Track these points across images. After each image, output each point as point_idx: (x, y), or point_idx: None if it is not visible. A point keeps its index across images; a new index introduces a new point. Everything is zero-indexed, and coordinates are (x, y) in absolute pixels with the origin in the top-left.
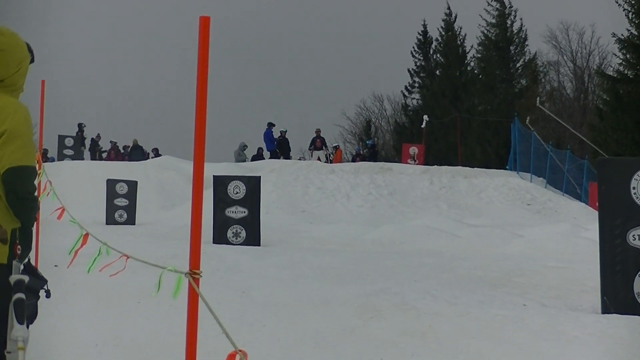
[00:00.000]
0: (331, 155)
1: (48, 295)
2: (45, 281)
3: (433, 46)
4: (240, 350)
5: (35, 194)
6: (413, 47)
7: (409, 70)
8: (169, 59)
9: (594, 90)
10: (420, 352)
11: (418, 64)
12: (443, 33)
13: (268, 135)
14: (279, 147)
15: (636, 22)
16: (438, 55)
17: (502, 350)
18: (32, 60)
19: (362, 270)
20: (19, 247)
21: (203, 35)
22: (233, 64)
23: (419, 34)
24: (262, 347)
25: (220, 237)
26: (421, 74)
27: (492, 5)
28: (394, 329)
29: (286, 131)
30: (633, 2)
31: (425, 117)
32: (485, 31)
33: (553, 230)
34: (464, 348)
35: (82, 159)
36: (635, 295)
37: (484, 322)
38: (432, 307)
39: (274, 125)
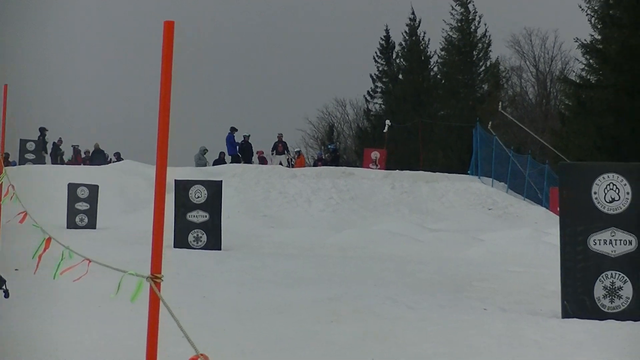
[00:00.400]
0: (293, 160)
1: (6, 295)
2: (4, 281)
3: (396, 51)
4: (201, 355)
5: None
6: (375, 52)
7: (371, 75)
8: (132, 63)
9: (556, 96)
10: (381, 357)
11: (380, 68)
12: (407, 38)
13: (230, 139)
14: (242, 152)
15: (599, 27)
16: (401, 60)
17: (463, 355)
18: None
19: (323, 274)
20: None
21: (167, 40)
22: (196, 68)
23: (381, 39)
24: (222, 352)
25: (181, 242)
26: (383, 79)
27: (456, 10)
28: (355, 333)
29: (249, 136)
30: (596, 7)
31: (388, 121)
32: (449, 36)
33: (514, 235)
34: (425, 353)
35: (44, 163)
36: (596, 300)
37: (444, 326)
38: (393, 311)
39: (236, 130)
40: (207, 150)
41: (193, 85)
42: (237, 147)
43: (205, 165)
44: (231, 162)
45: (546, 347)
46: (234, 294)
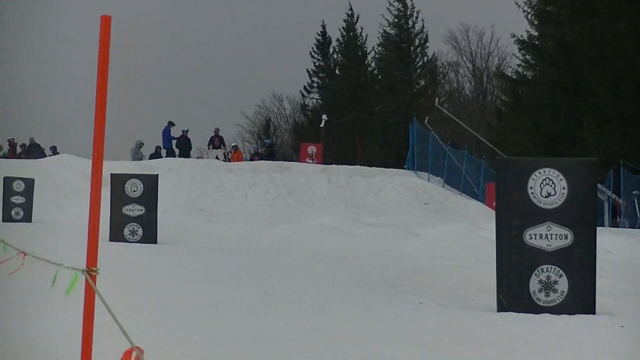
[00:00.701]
0: (229, 154)
1: None
2: None
3: (333, 46)
4: (136, 347)
5: None
6: (312, 48)
7: (308, 71)
8: (68, 56)
9: (493, 91)
10: (317, 351)
11: (317, 64)
12: (344, 33)
13: (165, 133)
14: (180, 146)
15: (535, 23)
16: (339, 56)
17: (399, 349)
18: None
19: (259, 269)
20: None
21: (104, 35)
22: (133, 62)
23: (318, 34)
24: (157, 345)
25: (116, 235)
26: (320, 74)
27: (393, 6)
28: (291, 327)
29: (188, 130)
30: (533, 3)
31: (324, 116)
32: (386, 32)
33: (450, 230)
34: (361, 347)
35: None
36: (531, 294)
37: (380, 320)
38: (329, 305)
39: (173, 124)
40: (143, 144)
41: (130, 80)
42: (176, 141)
43: (141, 159)
44: (166, 156)
45: (482, 340)
46: (170, 288)
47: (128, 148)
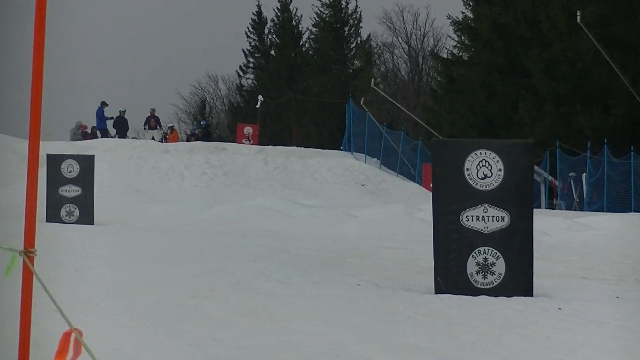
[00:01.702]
0: (165, 135)
1: None
2: None
3: (268, 27)
4: (75, 329)
5: None
6: (247, 28)
7: (243, 51)
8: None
9: (429, 72)
10: (254, 332)
11: (253, 44)
12: (279, 14)
13: (99, 113)
14: (117, 127)
15: (470, 4)
16: (274, 36)
17: (336, 330)
18: None
19: (196, 250)
20: None
21: (39, 13)
22: (69, 42)
23: (253, 14)
24: (95, 327)
25: (53, 216)
26: (256, 55)
27: None
28: (228, 308)
29: (125, 111)
30: None
31: (260, 97)
32: (320, 12)
33: (387, 211)
34: (298, 328)
35: None
36: (469, 276)
37: (318, 302)
38: (267, 287)
39: (106, 104)
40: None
41: (67, 60)
42: (112, 121)
43: (80, 140)
44: (102, 137)
45: (419, 322)
46: (107, 268)
47: (64, 129)
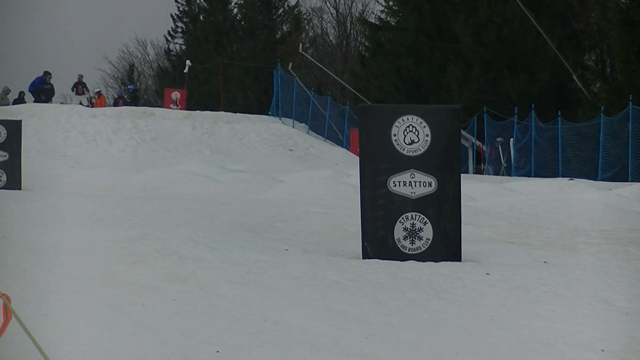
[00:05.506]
0: (92, 99)
1: None
2: None
3: None
4: (3, 294)
5: None
6: None
7: (172, 15)
8: None
9: (357, 37)
10: (182, 297)
11: (181, 8)
12: None
13: (39, 79)
14: (44, 93)
15: None
16: (202, 1)
17: (263, 295)
18: None
19: (123, 215)
20: None
21: None
22: None
23: None
24: (22, 292)
25: None
26: (184, 19)
27: None
28: (156, 274)
29: (51, 76)
30: None
31: (188, 62)
32: None
33: (315, 176)
34: (226, 293)
35: None
36: (396, 242)
37: (245, 267)
38: (194, 252)
39: (49, 74)
40: (9, 91)
41: None
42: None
43: (8, 105)
44: (34, 102)
45: (347, 287)
46: (35, 234)
47: None
